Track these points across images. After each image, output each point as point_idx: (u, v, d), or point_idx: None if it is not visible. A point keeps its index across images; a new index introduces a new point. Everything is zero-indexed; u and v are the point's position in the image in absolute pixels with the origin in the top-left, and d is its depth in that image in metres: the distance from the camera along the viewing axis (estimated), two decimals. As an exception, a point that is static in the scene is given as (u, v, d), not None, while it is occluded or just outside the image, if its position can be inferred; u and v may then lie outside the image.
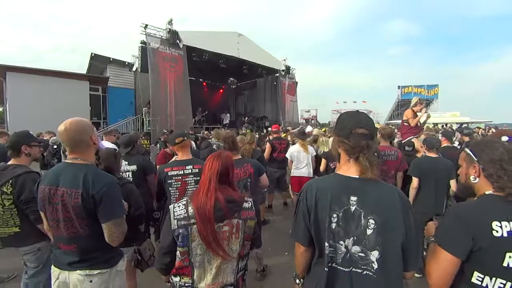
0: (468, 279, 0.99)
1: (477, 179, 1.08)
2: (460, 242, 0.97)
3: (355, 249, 1.05)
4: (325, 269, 1.08)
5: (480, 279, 0.97)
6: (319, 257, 1.13)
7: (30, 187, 1.88)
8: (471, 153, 1.11)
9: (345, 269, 1.06)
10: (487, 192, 1.05)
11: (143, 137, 7.90)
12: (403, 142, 4.22)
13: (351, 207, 1.06)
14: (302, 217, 1.15)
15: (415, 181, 3.01)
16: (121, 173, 2.73)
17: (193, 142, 5.62)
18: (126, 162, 2.80)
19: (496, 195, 1.01)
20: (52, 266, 1.48)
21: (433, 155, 3.04)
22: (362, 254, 1.05)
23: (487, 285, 0.96)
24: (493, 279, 0.95)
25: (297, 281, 1.28)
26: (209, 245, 1.22)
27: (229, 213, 1.27)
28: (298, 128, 8.20)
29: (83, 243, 1.40)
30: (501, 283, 0.94)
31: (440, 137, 3.86)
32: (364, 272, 1.04)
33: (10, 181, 1.91)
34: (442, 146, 3.70)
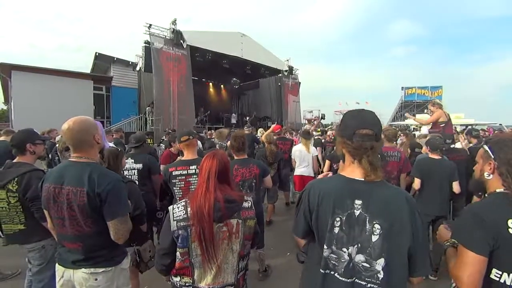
0: (487, 275, 1.00)
1: (491, 175, 1.09)
2: (484, 240, 0.97)
3: (359, 258, 1.00)
4: (321, 270, 1.05)
5: (498, 275, 0.99)
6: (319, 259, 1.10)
7: (35, 185, 1.89)
8: (489, 150, 1.11)
9: (347, 280, 1.01)
10: (498, 190, 1.06)
11: (147, 136, 7.94)
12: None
13: (355, 211, 1.01)
14: (303, 215, 1.13)
15: (417, 182, 3.00)
16: (126, 171, 2.75)
17: (200, 143, 5.64)
18: (133, 160, 2.82)
19: (507, 192, 1.02)
20: (57, 264, 1.49)
21: (436, 156, 3.01)
22: (367, 265, 0.99)
23: (505, 281, 0.98)
24: (511, 275, 0.97)
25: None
26: (205, 251, 1.21)
27: (229, 213, 1.26)
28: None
29: (88, 241, 1.41)
30: None
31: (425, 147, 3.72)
32: (368, 285, 0.99)
33: (16, 179, 1.92)
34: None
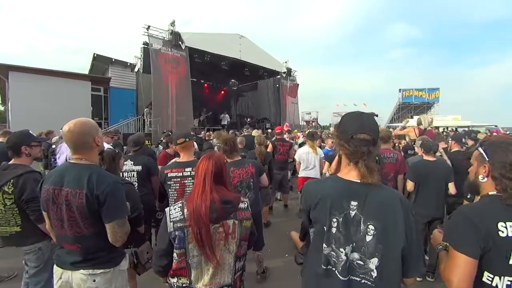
0: (479, 278, 1.00)
1: (486, 178, 1.09)
2: (475, 243, 0.97)
3: (354, 256, 1.03)
4: (323, 266, 1.07)
5: (490, 279, 0.99)
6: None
7: (31, 187, 1.89)
8: (483, 153, 1.11)
9: (344, 278, 1.04)
10: (490, 193, 1.06)
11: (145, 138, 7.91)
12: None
13: (351, 212, 1.04)
14: (304, 212, 1.19)
15: (410, 185, 3.02)
16: (126, 172, 2.75)
17: (196, 144, 5.63)
18: (132, 162, 2.81)
19: (499, 195, 1.02)
20: (55, 266, 1.48)
21: (430, 158, 3.03)
22: (361, 262, 1.02)
23: (496, 285, 0.98)
24: (502, 277, 0.97)
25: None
26: (204, 250, 1.22)
27: (225, 214, 1.27)
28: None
29: (86, 242, 1.41)
30: (508, 280, 0.96)
31: (450, 141, 3.87)
32: (362, 281, 1.02)
33: (12, 180, 1.91)
34: (453, 150, 3.70)
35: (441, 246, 1.19)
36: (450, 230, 1.09)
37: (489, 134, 8.64)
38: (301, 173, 4.54)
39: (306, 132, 7.26)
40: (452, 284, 0.99)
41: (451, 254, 1.03)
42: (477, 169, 1.14)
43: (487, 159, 1.08)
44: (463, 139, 4.23)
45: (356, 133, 1.05)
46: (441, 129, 16.29)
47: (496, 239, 0.95)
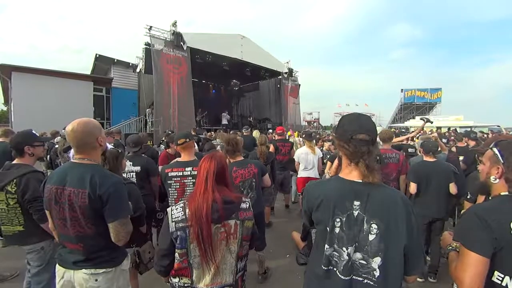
0: (489, 277, 0.99)
1: (498, 180, 1.08)
2: (487, 242, 0.96)
3: (357, 256, 1.04)
4: (323, 267, 1.08)
5: (500, 278, 0.98)
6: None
7: (34, 187, 1.90)
8: (498, 154, 1.09)
9: (346, 278, 1.04)
10: (502, 193, 1.05)
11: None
12: None
13: (354, 211, 1.05)
14: (304, 214, 1.21)
15: (412, 187, 3.00)
16: (124, 173, 2.75)
17: (196, 145, 5.63)
18: (131, 163, 2.81)
19: (511, 196, 1.02)
20: (57, 265, 1.49)
21: (430, 159, 3.02)
22: (364, 262, 1.03)
23: (506, 285, 0.96)
24: None
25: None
26: (203, 252, 1.22)
27: (227, 214, 1.27)
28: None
29: (89, 242, 1.41)
30: None
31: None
32: (365, 281, 1.03)
33: (15, 180, 1.93)
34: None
35: (451, 247, 1.18)
36: (462, 229, 1.08)
37: (492, 134, 8.61)
38: (301, 173, 4.54)
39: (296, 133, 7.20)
40: (464, 283, 0.98)
41: (462, 253, 1.02)
42: (490, 169, 1.12)
43: (502, 161, 1.07)
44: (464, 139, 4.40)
45: (355, 133, 1.07)
46: (443, 130, 16.22)
47: (508, 239, 0.95)
